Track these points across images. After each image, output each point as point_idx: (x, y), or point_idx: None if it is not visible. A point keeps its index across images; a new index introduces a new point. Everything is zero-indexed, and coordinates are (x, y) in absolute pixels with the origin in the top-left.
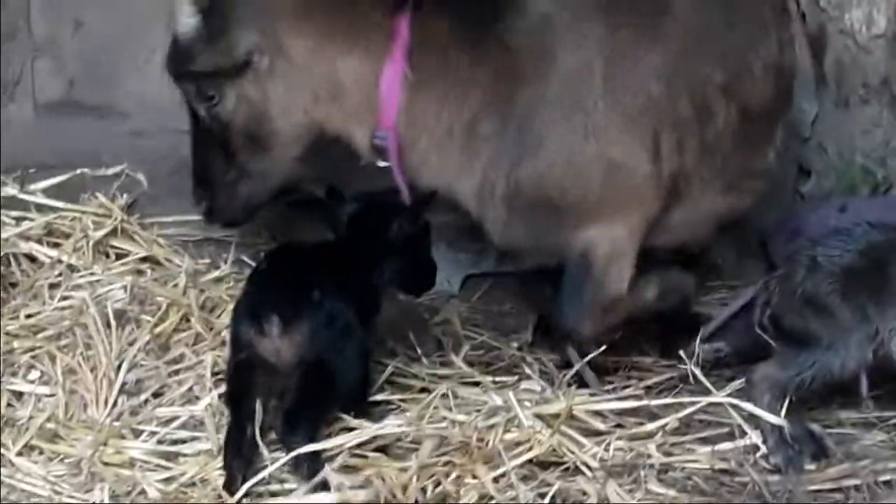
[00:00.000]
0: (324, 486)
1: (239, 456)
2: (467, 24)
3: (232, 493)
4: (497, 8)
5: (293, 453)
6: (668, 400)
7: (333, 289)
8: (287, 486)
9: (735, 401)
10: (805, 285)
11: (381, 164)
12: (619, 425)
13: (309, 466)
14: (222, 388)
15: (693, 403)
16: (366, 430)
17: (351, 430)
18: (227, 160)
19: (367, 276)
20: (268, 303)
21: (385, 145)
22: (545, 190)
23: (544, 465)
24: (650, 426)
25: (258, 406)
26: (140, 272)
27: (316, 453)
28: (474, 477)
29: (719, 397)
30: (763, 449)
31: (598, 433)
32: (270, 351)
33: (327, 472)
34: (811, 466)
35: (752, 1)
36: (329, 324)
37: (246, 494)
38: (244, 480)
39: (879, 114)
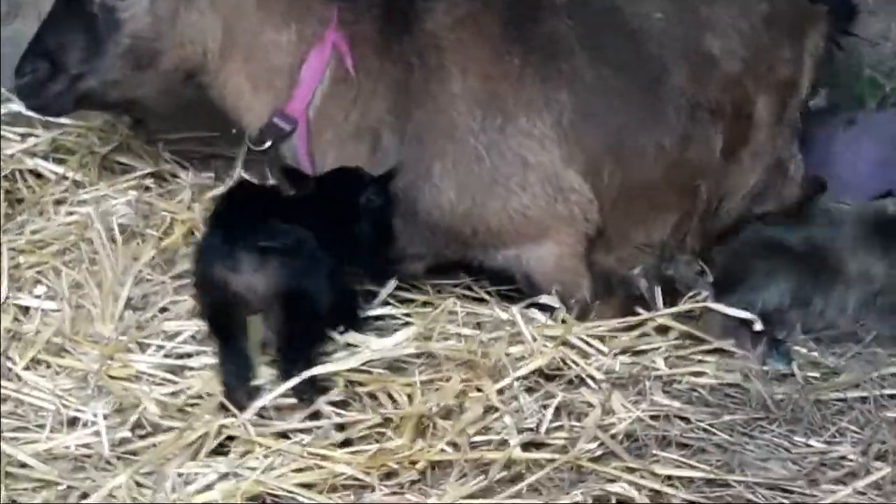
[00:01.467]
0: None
1: (235, 378)
2: (386, 31)
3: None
4: (406, 19)
5: (287, 385)
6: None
7: (295, 219)
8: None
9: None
10: None
11: (264, 146)
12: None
13: (305, 393)
14: None
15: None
16: (362, 352)
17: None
18: (89, 53)
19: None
20: (236, 240)
21: (284, 127)
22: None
23: (549, 377)
24: (655, 338)
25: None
26: (146, 188)
27: (312, 381)
28: (478, 390)
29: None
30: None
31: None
32: (245, 287)
33: (320, 402)
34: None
35: (648, 92)
36: (297, 252)
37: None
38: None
39: (888, 26)
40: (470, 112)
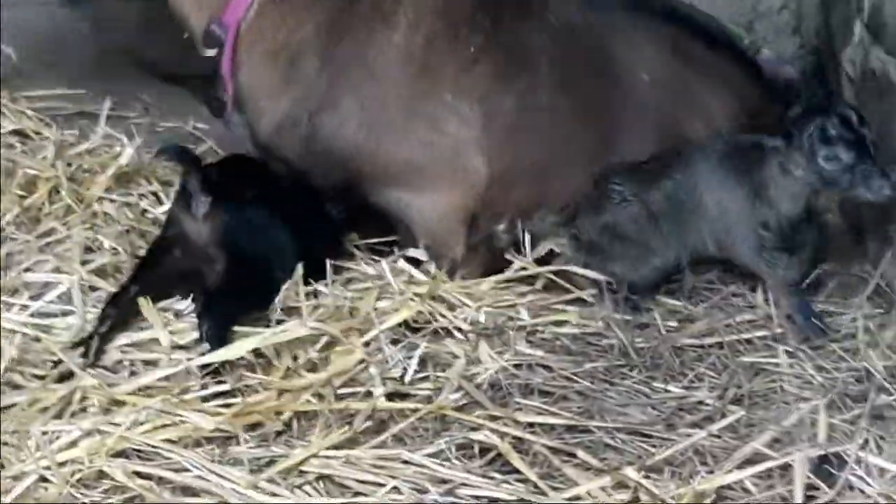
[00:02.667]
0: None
1: (116, 306)
2: None
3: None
4: None
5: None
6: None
7: (272, 196)
8: None
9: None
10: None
11: (208, 52)
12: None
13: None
14: (93, 263)
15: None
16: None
17: None
18: None
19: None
20: (204, 187)
21: (220, 35)
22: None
23: (416, 330)
24: (520, 288)
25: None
26: (9, 146)
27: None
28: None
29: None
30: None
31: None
32: (194, 231)
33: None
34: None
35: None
36: (255, 221)
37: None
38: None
39: None
40: (401, 64)
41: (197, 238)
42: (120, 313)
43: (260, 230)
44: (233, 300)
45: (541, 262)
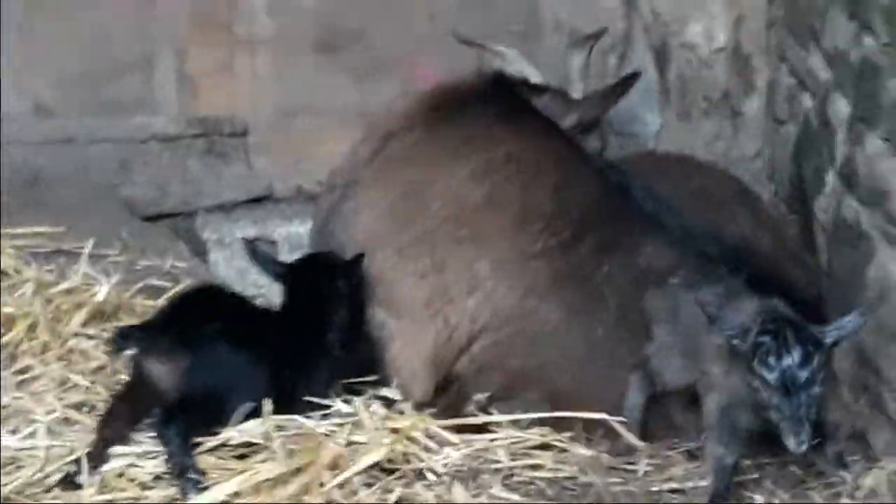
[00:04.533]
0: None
1: (108, 427)
2: None
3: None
4: None
5: None
6: (515, 416)
7: (236, 331)
8: None
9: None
10: None
11: None
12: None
13: (177, 463)
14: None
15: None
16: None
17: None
18: None
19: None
20: (163, 330)
21: None
22: None
23: (389, 471)
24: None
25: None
26: None
27: (187, 452)
28: (321, 485)
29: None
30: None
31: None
32: (154, 373)
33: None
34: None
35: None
36: (218, 361)
37: None
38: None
39: (720, 126)
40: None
41: (157, 381)
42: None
43: (219, 367)
44: (190, 414)
45: None
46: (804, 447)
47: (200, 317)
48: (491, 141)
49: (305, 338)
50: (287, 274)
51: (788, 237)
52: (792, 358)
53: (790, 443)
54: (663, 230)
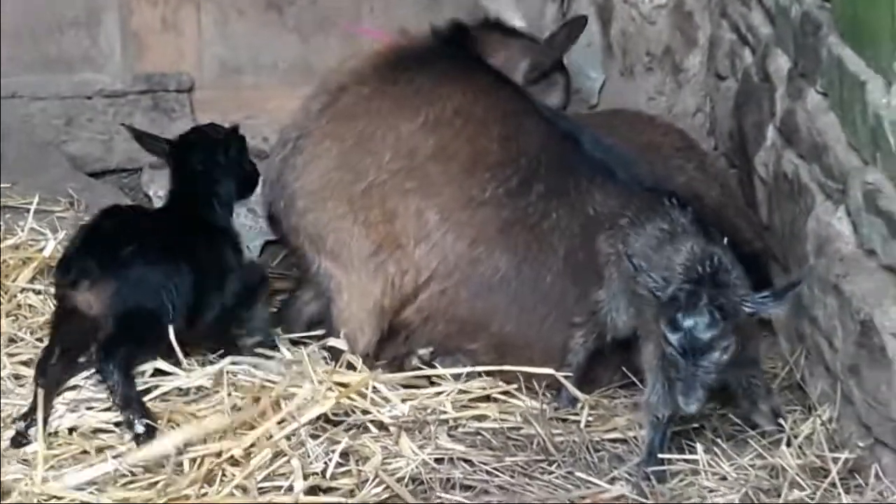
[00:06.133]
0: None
1: (44, 375)
2: None
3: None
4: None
5: None
6: (461, 370)
7: (148, 244)
8: None
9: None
10: None
11: None
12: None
13: (121, 395)
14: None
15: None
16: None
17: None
18: None
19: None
20: (81, 259)
21: None
22: None
23: (336, 423)
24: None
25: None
26: None
27: (130, 384)
28: (269, 437)
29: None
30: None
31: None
32: (83, 303)
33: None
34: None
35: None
36: (140, 278)
37: None
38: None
39: (663, 82)
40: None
41: (86, 309)
42: (49, 381)
43: (144, 286)
44: (126, 345)
45: None
46: (692, 408)
47: (115, 240)
48: (440, 95)
49: (198, 223)
50: (170, 150)
51: (734, 191)
52: (696, 322)
53: (680, 402)
54: (612, 177)
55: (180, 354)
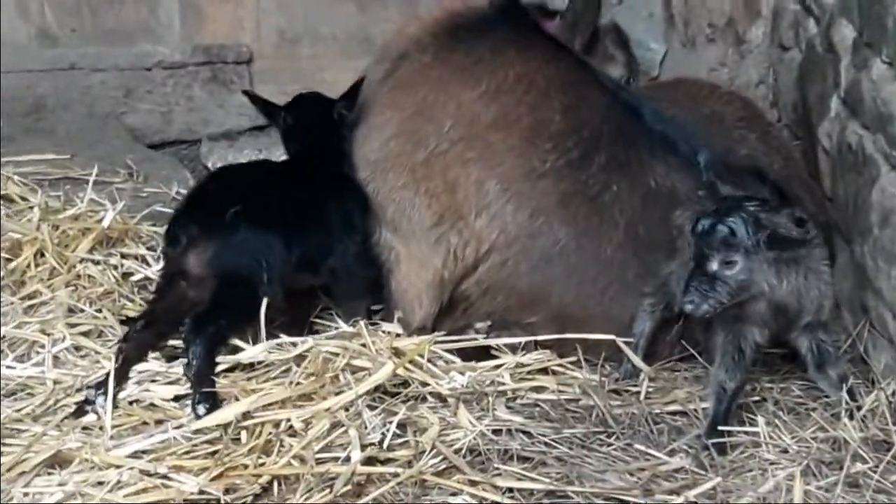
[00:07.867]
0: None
1: (126, 341)
2: None
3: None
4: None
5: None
6: (521, 339)
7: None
8: None
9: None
10: None
11: None
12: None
13: (197, 374)
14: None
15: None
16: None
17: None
18: None
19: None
20: (185, 219)
21: None
22: None
23: (393, 394)
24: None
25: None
26: None
27: (209, 365)
28: (327, 409)
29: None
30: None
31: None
32: (185, 262)
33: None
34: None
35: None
36: (243, 240)
37: None
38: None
39: (725, 53)
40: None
41: (189, 268)
42: (131, 347)
43: (245, 250)
44: (217, 322)
45: None
46: (689, 308)
47: (222, 202)
48: (501, 63)
49: (315, 182)
50: (289, 110)
51: (797, 162)
52: (719, 225)
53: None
54: (674, 150)
55: (263, 331)
